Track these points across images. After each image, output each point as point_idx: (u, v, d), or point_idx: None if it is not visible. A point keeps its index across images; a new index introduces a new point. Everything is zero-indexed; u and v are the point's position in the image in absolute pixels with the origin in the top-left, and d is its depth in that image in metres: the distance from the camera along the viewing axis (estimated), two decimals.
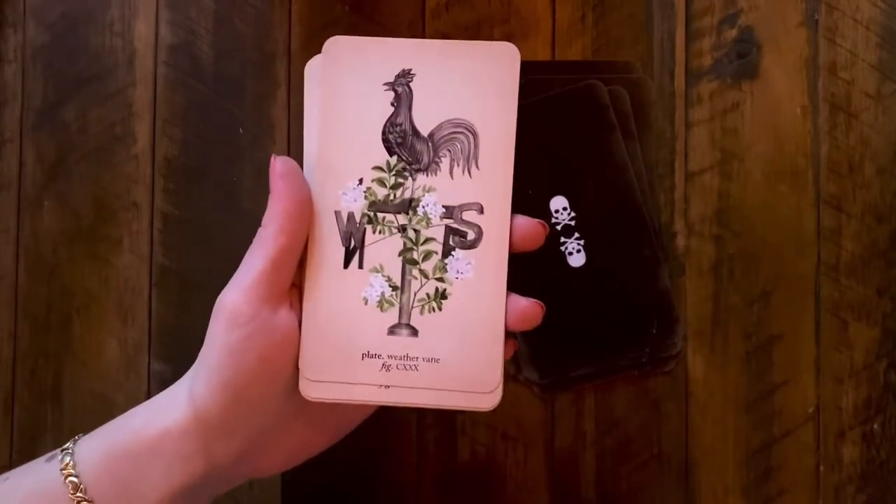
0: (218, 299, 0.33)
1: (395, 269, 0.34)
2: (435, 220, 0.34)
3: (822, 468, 0.43)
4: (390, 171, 0.34)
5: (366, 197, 0.34)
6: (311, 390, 0.33)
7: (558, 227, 0.43)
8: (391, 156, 0.34)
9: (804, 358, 0.43)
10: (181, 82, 0.46)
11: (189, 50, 0.46)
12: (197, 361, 0.34)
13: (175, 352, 0.45)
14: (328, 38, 0.35)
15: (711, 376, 0.43)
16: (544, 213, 0.42)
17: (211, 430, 0.32)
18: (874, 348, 0.43)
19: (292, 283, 0.34)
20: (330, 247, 0.34)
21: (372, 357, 0.34)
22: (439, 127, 0.34)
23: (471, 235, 0.34)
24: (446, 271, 0.34)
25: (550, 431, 0.44)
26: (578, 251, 0.42)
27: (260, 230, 0.33)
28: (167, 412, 0.33)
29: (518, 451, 0.44)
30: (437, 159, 0.34)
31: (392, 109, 0.34)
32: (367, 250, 0.34)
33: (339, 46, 0.35)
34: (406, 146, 0.34)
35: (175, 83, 0.46)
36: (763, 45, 0.44)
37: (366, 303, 0.34)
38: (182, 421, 0.33)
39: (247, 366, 0.32)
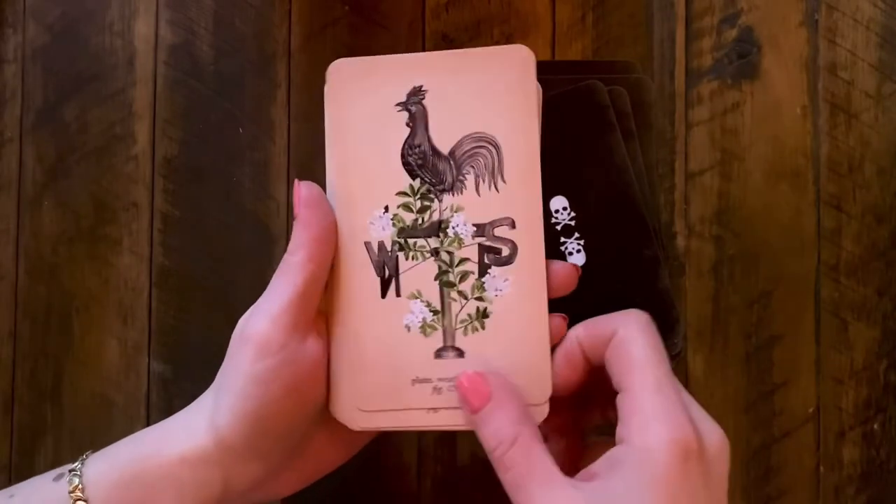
0: (241, 327, 0.32)
1: (433, 294, 0.33)
2: (467, 239, 0.33)
3: (822, 468, 0.43)
4: (415, 194, 0.34)
5: (394, 224, 0.33)
6: (363, 421, 0.33)
7: (558, 228, 0.43)
8: (413, 179, 0.33)
9: (804, 358, 0.43)
10: (181, 82, 0.46)
11: (189, 50, 0.46)
12: (217, 389, 0.33)
13: (175, 352, 0.45)
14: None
15: (711, 376, 0.43)
16: (544, 213, 0.42)
17: (233, 458, 0.32)
18: (874, 348, 0.43)
19: (318, 310, 0.33)
20: (364, 278, 0.33)
21: (422, 382, 0.33)
22: (459, 143, 0.33)
23: (505, 252, 0.33)
24: (485, 290, 0.33)
25: None
26: (578, 251, 0.42)
27: (286, 257, 0.32)
28: (183, 439, 0.32)
29: None
30: (461, 177, 0.33)
31: (408, 130, 0.33)
32: (402, 278, 0.33)
33: (343, 70, 0.34)
34: (428, 167, 0.33)
35: (175, 83, 0.46)
36: (763, 45, 0.44)
37: (408, 330, 0.33)
38: (200, 449, 0.32)
39: (274, 395, 0.31)
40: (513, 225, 0.33)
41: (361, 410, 0.33)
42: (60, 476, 0.33)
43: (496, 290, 0.33)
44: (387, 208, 0.34)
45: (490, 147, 0.33)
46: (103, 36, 0.46)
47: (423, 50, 0.45)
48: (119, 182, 0.46)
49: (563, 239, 0.42)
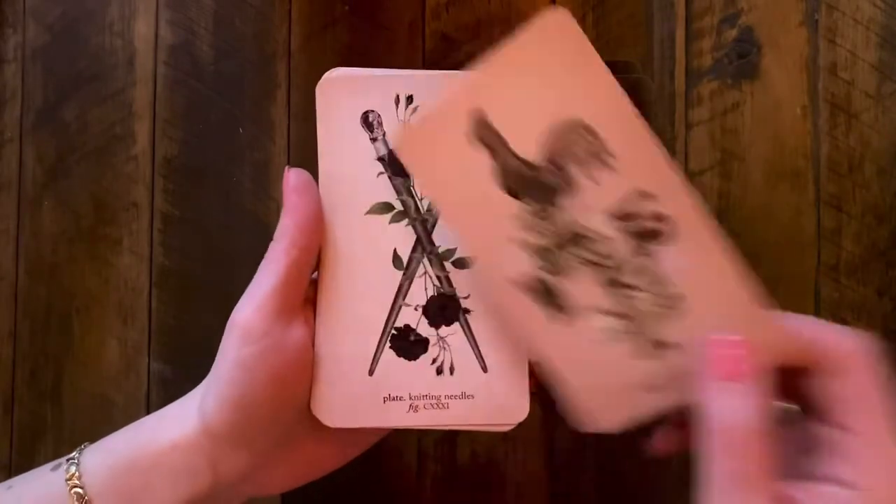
0: (231, 315, 0.32)
1: (610, 301, 0.31)
2: (611, 231, 0.30)
3: None
4: (535, 217, 0.30)
5: (531, 255, 0.31)
6: (595, 425, 0.32)
7: None
8: (523, 200, 0.30)
9: None
10: (181, 82, 0.46)
11: (189, 50, 0.46)
12: (208, 376, 0.33)
13: (175, 352, 0.45)
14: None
15: None
16: None
17: (220, 445, 0.32)
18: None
19: (305, 299, 0.33)
20: (535, 317, 0.31)
21: (646, 388, 0.31)
22: (545, 144, 0.30)
23: (657, 226, 0.30)
24: (660, 272, 0.30)
25: (550, 431, 0.44)
26: None
27: (272, 244, 0.33)
28: (176, 425, 0.33)
29: (518, 451, 0.44)
30: (567, 176, 0.30)
31: (491, 161, 0.30)
32: (572, 300, 0.31)
33: (412, 134, 0.31)
34: (529, 183, 0.30)
35: (175, 83, 0.46)
36: (763, 45, 0.44)
37: (605, 344, 0.31)
38: (191, 435, 0.32)
39: (258, 382, 0.31)
40: (647, 195, 0.30)
41: (601, 422, 0.32)
42: (58, 466, 0.33)
43: (675, 269, 0.30)
44: (520, 243, 0.31)
45: (579, 130, 0.30)
46: (103, 36, 0.46)
47: (423, 50, 0.45)
48: (119, 182, 0.46)
49: None
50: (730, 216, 0.44)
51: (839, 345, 0.29)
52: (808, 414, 0.30)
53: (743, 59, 0.44)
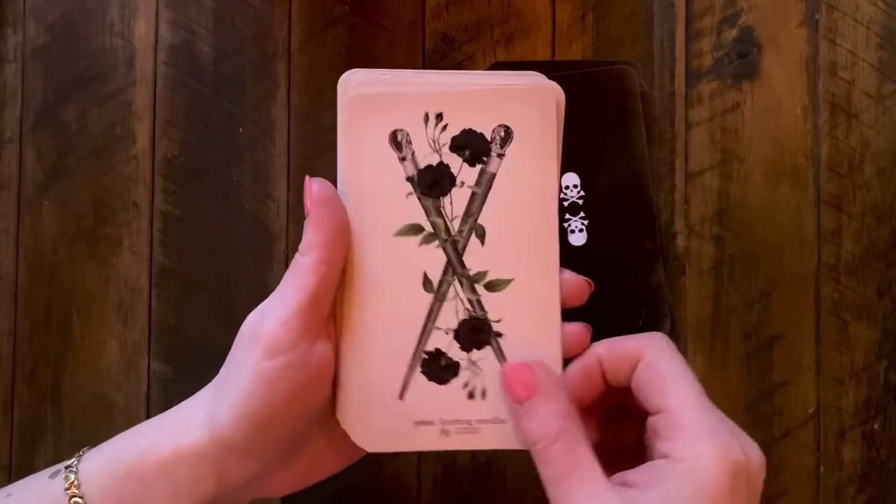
0: (250, 325, 0.32)
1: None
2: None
3: (822, 468, 0.43)
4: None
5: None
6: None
7: (565, 204, 0.43)
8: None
9: (804, 358, 0.43)
10: (181, 82, 0.46)
11: (189, 50, 0.46)
12: (218, 384, 0.33)
13: (175, 352, 0.45)
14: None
15: (711, 376, 0.43)
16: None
17: (230, 454, 0.32)
18: (874, 348, 0.43)
19: (329, 315, 0.33)
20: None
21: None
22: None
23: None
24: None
25: None
26: (581, 230, 0.42)
27: (298, 257, 0.32)
28: (179, 433, 0.32)
29: (518, 451, 0.44)
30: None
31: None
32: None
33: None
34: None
35: (175, 83, 0.46)
36: (763, 45, 0.44)
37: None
38: (197, 443, 0.32)
39: (279, 397, 0.31)
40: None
41: None
42: (56, 473, 0.33)
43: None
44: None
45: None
46: (103, 36, 0.46)
47: (423, 50, 0.45)
48: (119, 182, 0.46)
49: (567, 216, 0.42)
50: (730, 216, 0.44)
51: (636, 347, 0.32)
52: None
53: (743, 59, 0.44)
